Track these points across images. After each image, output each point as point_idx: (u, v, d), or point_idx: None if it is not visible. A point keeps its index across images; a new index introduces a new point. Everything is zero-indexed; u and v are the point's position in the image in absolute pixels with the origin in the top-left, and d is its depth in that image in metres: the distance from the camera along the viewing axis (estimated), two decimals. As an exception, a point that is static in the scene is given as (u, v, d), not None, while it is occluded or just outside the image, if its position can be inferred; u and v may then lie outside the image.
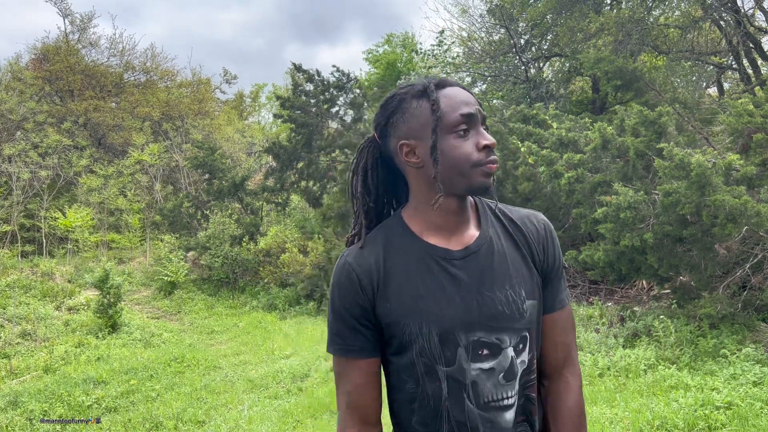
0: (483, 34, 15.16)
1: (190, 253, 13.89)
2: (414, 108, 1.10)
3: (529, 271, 1.13)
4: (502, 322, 1.07)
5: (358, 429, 1.14)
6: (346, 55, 50.45)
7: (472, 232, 1.13)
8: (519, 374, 1.09)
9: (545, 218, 1.20)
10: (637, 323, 5.86)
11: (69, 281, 12.07)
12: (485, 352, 1.07)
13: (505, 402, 1.08)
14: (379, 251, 1.13)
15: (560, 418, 1.16)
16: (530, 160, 7.42)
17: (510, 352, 1.08)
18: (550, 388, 1.18)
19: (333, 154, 14.28)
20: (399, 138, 1.12)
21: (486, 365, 1.07)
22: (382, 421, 1.19)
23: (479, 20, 15.21)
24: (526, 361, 1.10)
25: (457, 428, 1.07)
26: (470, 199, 1.16)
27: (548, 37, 13.17)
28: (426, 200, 1.12)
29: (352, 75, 14.55)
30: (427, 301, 1.08)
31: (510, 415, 1.08)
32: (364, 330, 1.12)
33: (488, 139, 1.08)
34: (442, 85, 1.11)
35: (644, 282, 7.25)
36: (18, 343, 8.11)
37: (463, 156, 1.06)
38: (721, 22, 9.62)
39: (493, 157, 1.08)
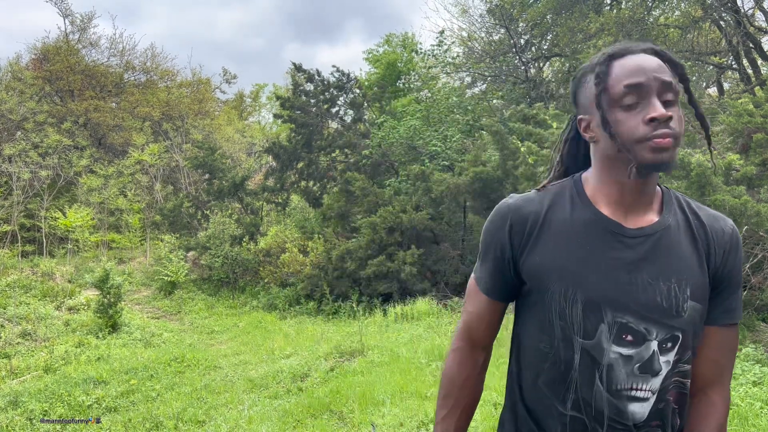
0: (483, 34, 15.18)
1: (190, 253, 13.89)
2: (587, 82, 1.08)
3: (701, 271, 1.06)
4: (656, 313, 1.01)
5: (465, 345, 1.21)
6: (346, 55, 50.47)
7: (651, 217, 1.08)
8: (662, 373, 1.02)
9: (734, 225, 1.13)
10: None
11: (69, 281, 12.07)
12: (629, 338, 1.01)
13: (635, 393, 1.01)
14: (544, 203, 1.11)
15: None
16: (530, 160, 7.41)
17: (653, 345, 1.01)
18: (692, 405, 1.10)
19: (333, 154, 14.28)
20: (578, 113, 1.12)
21: (626, 351, 1.01)
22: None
23: (479, 20, 15.24)
24: (672, 362, 1.03)
25: (582, 405, 1.03)
26: (657, 187, 1.11)
27: (548, 37, 13.19)
28: (601, 175, 1.08)
29: (352, 75, 14.56)
30: (581, 267, 1.03)
31: (640, 409, 1.01)
32: (500, 273, 1.13)
33: (657, 110, 0.98)
34: (620, 54, 1.04)
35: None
36: (18, 343, 8.11)
37: (626, 132, 0.99)
38: (721, 22, 9.62)
39: (662, 131, 0.97)
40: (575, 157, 1.22)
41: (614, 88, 1.01)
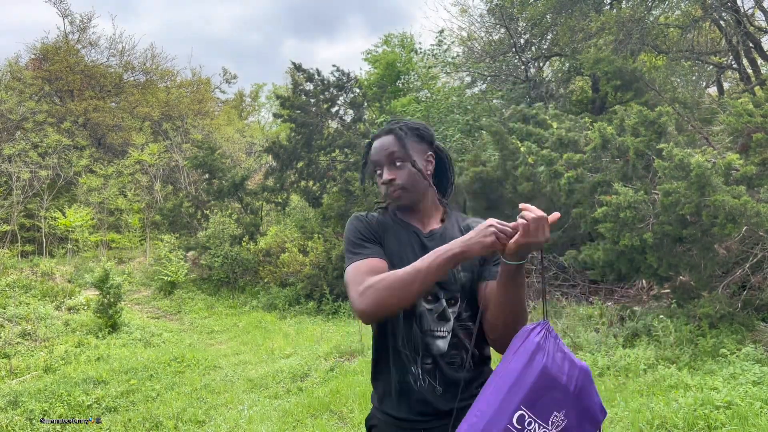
0: (483, 34, 15.18)
1: (190, 253, 13.89)
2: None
3: None
4: (443, 281, 1.52)
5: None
6: (346, 51, 50.36)
7: (436, 225, 1.65)
8: (451, 320, 1.54)
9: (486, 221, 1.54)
10: (636, 323, 5.86)
11: (69, 281, 12.07)
12: (430, 297, 1.54)
13: (437, 333, 1.53)
14: (378, 218, 1.69)
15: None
16: (530, 160, 7.41)
17: (443, 302, 1.54)
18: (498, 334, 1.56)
19: (333, 154, 14.27)
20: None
21: (428, 306, 1.54)
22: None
23: (479, 20, 15.24)
24: (456, 312, 1.54)
25: (406, 341, 1.55)
26: (444, 208, 1.70)
27: (548, 37, 13.19)
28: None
29: (351, 74, 14.54)
30: (403, 253, 1.58)
31: (441, 344, 1.53)
32: (377, 245, 1.58)
33: (383, 177, 1.60)
34: (373, 139, 1.66)
35: (644, 282, 7.26)
36: (18, 343, 8.11)
37: (381, 190, 1.64)
38: (721, 22, 9.63)
39: (391, 189, 1.60)
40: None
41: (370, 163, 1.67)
